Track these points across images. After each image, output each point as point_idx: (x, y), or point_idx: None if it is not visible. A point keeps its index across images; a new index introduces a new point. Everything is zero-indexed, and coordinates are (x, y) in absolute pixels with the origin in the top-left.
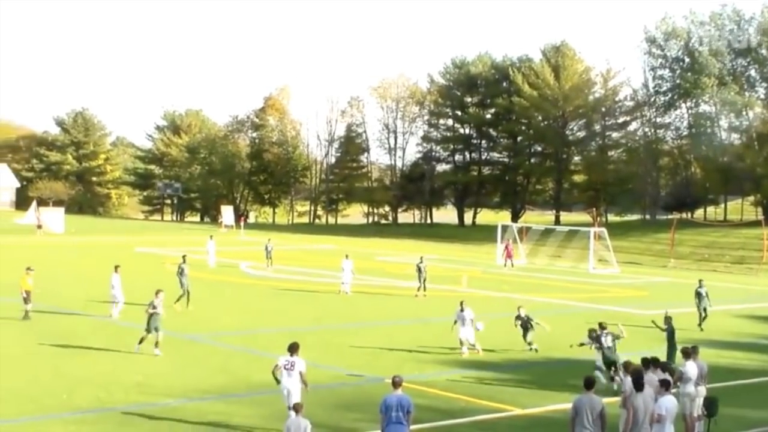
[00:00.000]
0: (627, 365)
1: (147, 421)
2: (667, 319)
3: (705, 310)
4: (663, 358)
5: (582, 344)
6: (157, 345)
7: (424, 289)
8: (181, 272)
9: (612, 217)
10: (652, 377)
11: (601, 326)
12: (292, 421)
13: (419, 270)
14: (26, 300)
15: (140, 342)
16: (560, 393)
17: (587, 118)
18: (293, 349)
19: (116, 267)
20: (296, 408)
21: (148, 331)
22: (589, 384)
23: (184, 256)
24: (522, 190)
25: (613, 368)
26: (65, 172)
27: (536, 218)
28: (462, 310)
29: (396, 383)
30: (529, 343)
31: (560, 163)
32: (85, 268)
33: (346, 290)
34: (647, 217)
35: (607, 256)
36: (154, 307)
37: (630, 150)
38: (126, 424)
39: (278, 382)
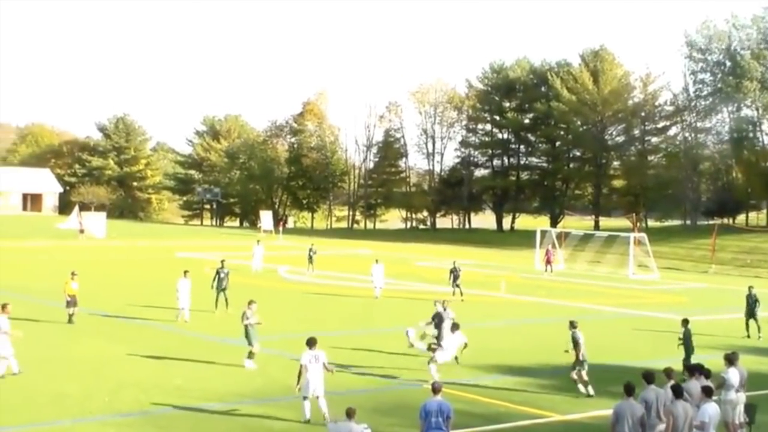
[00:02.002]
0: (668, 372)
1: (186, 424)
2: (684, 322)
3: (754, 316)
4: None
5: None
6: (250, 356)
7: (461, 294)
8: (218, 276)
9: (652, 223)
10: (695, 384)
11: (573, 324)
12: (344, 426)
13: (452, 274)
14: (69, 304)
15: (249, 356)
16: (599, 399)
17: (626, 122)
18: (313, 343)
19: (185, 272)
20: (349, 413)
21: (250, 343)
22: (630, 390)
23: (222, 261)
24: (561, 195)
25: (579, 369)
26: (107, 177)
27: (575, 223)
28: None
29: (436, 389)
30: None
31: (599, 168)
32: (127, 273)
33: (376, 294)
34: (688, 222)
35: (647, 262)
36: (248, 318)
37: (670, 155)
38: (165, 428)
39: (299, 376)
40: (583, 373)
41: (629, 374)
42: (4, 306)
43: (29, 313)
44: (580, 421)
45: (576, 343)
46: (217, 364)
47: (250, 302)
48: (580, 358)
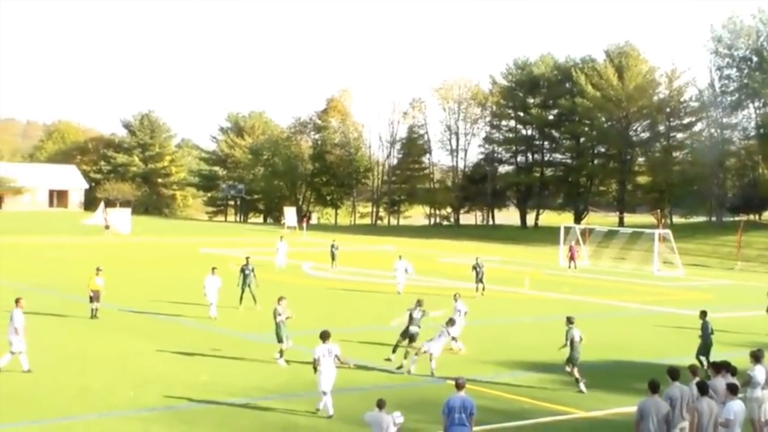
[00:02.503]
0: (693, 369)
1: (211, 419)
2: (702, 314)
3: None
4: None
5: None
6: (281, 353)
7: (483, 289)
8: (243, 273)
9: (677, 219)
10: (720, 381)
11: (570, 320)
12: (374, 416)
13: (475, 271)
14: (92, 299)
15: (280, 353)
16: (624, 396)
17: (651, 118)
18: (326, 336)
19: (213, 269)
20: (380, 404)
21: (280, 340)
22: (655, 387)
23: (247, 258)
24: (585, 192)
25: (571, 365)
26: (132, 173)
27: (599, 220)
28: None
29: (459, 385)
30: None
31: (624, 165)
32: (151, 269)
33: (399, 290)
34: (713, 218)
35: (672, 259)
36: (279, 314)
37: (695, 151)
38: (190, 423)
39: (315, 369)
40: (575, 369)
41: (654, 371)
42: (17, 300)
43: (55, 309)
44: (604, 418)
45: (566, 339)
46: (242, 359)
47: (280, 298)
48: (574, 354)
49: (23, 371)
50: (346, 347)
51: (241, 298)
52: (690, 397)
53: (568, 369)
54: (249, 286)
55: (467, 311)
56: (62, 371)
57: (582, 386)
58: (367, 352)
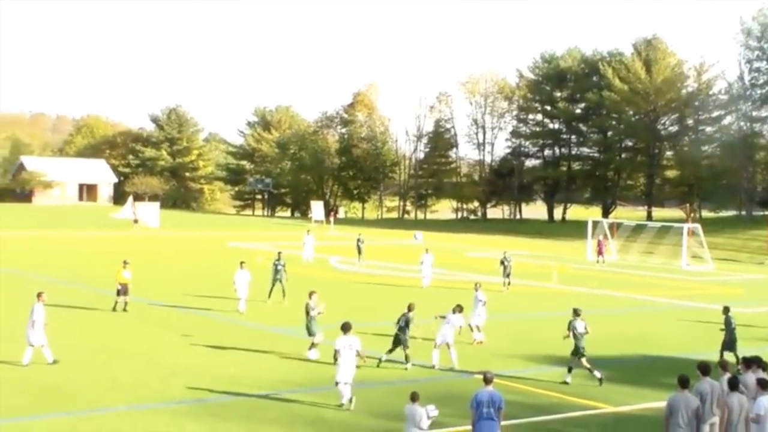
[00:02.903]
0: (723, 365)
1: (238, 412)
2: (725, 310)
3: None
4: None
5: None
6: (312, 347)
7: (508, 284)
8: (275, 268)
9: (706, 213)
10: (750, 377)
11: (576, 312)
12: (408, 409)
13: (503, 265)
14: (120, 292)
15: (311, 347)
16: (653, 391)
17: (680, 112)
18: (348, 328)
19: (241, 263)
20: (413, 397)
21: (311, 334)
22: (685, 383)
23: (279, 253)
24: (612, 186)
25: (578, 357)
26: (160, 167)
27: (627, 214)
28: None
29: (487, 379)
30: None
31: (652, 158)
32: (180, 263)
33: (425, 283)
34: (743, 213)
35: (700, 253)
36: (312, 309)
37: (724, 144)
38: (217, 415)
39: (335, 360)
40: (583, 360)
41: (683, 366)
42: (39, 294)
43: (84, 302)
44: (633, 413)
45: (574, 332)
46: (269, 353)
47: (311, 293)
48: (579, 346)
49: (48, 363)
50: (372, 341)
51: (270, 292)
52: (720, 393)
53: (575, 361)
54: (280, 280)
55: (485, 301)
56: (91, 364)
57: (597, 373)
58: (388, 344)
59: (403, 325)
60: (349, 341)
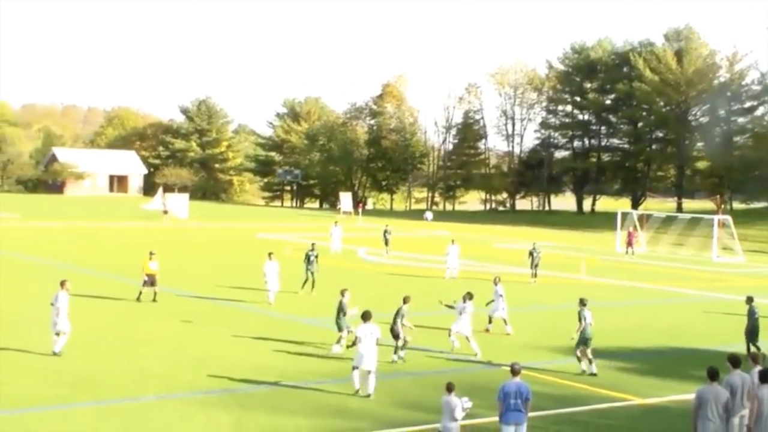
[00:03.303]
0: (755, 356)
1: (266, 402)
2: (748, 300)
3: None
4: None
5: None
6: (338, 342)
7: (535, 276)
8: (307, 259)
9: (737, 205)
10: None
11: (582, 302)
12: (445, 399)
13: (532, 256)
14: (146, 283)
15: (338, 342)
16: (681, 383)
17: (711, 102)
18: (368, 317)
19: (269, 254)
20: (449, 387)
21: (340, 329)
22: (714, 375)
23: (312, 244)
24: (642, 177)
25: (583, 347)
26: (189, 159)
27: (657, 205)
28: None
29: (515, 371)
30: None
31: (682, 150)
32: (209, 254)
33: (453, 275)
34: None
35: (731, 245)
36: (344, 307)
37: (757, 135)
38: (246, 406)
39: (353, 345)
40: (588, 350)
41: (713, 358)
42: (63, 282)
43: (114, 292)
44: (661, 405)
45: (580, 321)
46: (297, 343)
47: (344, 291)
48: (585, 336)
49: (53, 353)
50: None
51: (304, 283)
52: (751, 385)
53: (578, 353)
54: (312, 272)
55: (501, 295)
56: (120, 353)
57: (593, 368)
58: (418, 337)
59: (397, 317)
60: (369, 329)
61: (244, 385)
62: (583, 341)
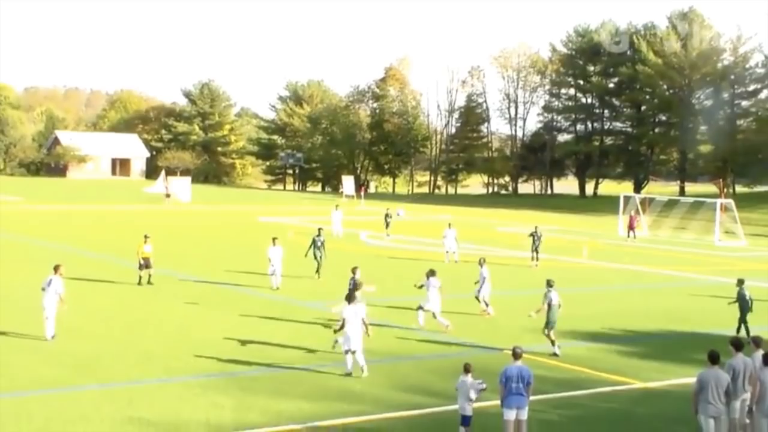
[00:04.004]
0: (756, 341)
1: (268, 386)
2: (739, 282)
3: None
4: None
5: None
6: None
7: (537, 260)
8: (314, 244)
9: (740, 188)
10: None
11: (549, 283)
12: (461, 380)
13: (533, 239)
14: (142, 266)
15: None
16: (682, 367)
17: (715, 86)
18: (353, 298)
19: (274, 239)
20: (466, 368)
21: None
22: (715, 358)
23: (319, 229)
24: (645, 161)
25: (548, 329)
26: (192, 142)
27: (660, 189)
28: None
29: (517, 354)
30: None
31: (686, 133)
32: (211, 237)
33: (455, 258)
34: None
35: (734, 229)
36: (362, 285)
37: (761, 119)
38: (248, 389)
39: (341, 328)
40: (551, 332)
41: (714, 342)
42: (56, 267)
43: (116, 275)
44: (662, 389)
45: (543, 302)
46: (300, 327)
47: (354, 269)
48: (551, 317)
49: (45, 337)
50: (397, 314)
51: (318, 270)
52: (753, 369)
53: (546, 332)
54: (319, 257)
55: (485, 277)
56: (123, 336)
57: (557, 349)
58: (416, 319)
59: (352, 288)
60: (355, 310)
61: (245, 369)
62: (549, 323)
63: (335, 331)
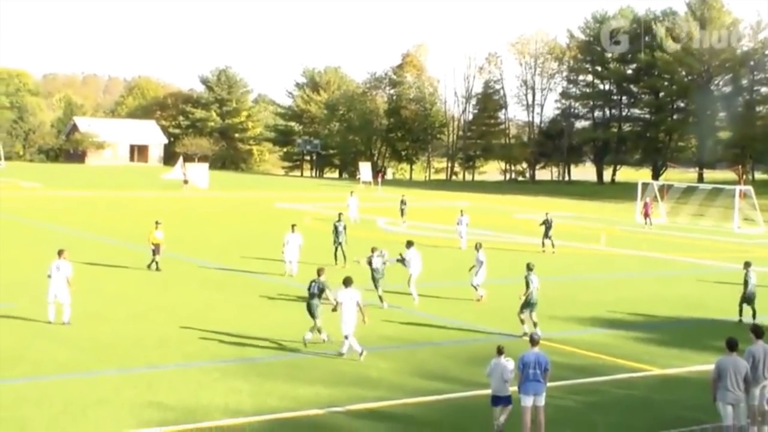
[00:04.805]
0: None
1: (285, 371)
2: (746, 264)
3: None
4: None
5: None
6: (382, 299)
7: (553, 246)
8: (335, 230)
9: (759, 175)
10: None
11: (529, 267)
12: (496, 363)
13: (545, 226)
14: (154, 252)
15: (381, 300)
16: (700, 354)
17: (734, 72)
18: (349, 282)
19: (293, 226)
20: (499, 350)
21: (377, 286)
22: (733, 345)
23: (339, 215)
24: (663, 147)
25: (528, 310)
26: (209, 128)
27: (678, 176)
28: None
29: (534, 341)
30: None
31: (704, 120)
32: (229, 223)
33: (462, 245)
34: None
35: (753, 215)
36: (372, 262)
37: None
38: (264, 375)
39: (335, 309)
40: (533, 314)
41: (732, 329)
42: (61, 251)
43: (133, 261)
44: (680, 375)
45: (527, 286)
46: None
47: (373, 249)
48: (531, 300)
49: (48, 320)
50: (408, 300)
51: (335, 256)
52: None
53: (522, 316)
54: (340, 244)
55: (482, 261)
56: (141, 321)
57: (526, 328)
58: (436, 306)
59: (315, 292)
60: (350, 294)
61: (263, 355)
62: (529, 305)
63: (333, 310)
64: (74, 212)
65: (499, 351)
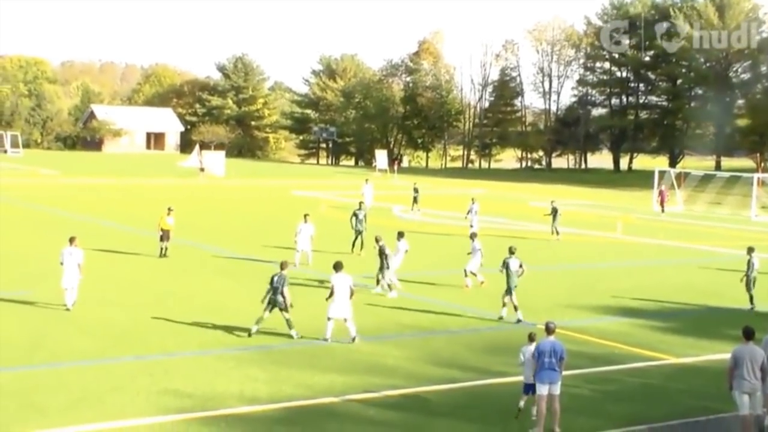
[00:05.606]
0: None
1: (301, 359)
2: (749, 250)
3: None
4: None
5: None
6: (391, 288)
7: (557, 233)
8: (355, 217)
9: None
10: None
11: (511, 250)
12: (527, 348)
13: (554, 214)
14: (162, 238)
15: (390, 289)
16: (716, 343)
17: (753, 59)
18: (340, 267)
19: (305, 216)
20: (531, 337)
21: (383, 272)
22: (749, 334)
23: (360, 203)
24: (681, 135)
25: (508, 294)
26: (226, 116)
27: (695, 163)
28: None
29: (550, 329)
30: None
31: (722, 107)
32: (245, 211)
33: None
34: None
35: None
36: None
37: None
38: (280, 363)
39: (330, 295)
40: (513, 298)
41: (749, 318)
42: (72, 239)
43: (150, 249)
44: (696, 365)
45: (507, 269)
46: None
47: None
48: (511, 284)
49: (65, 305)
50: (428, 289)
51: (353, 245)
52: None
53: (506, 300)
54: (360, 232)
55: (478, 249)
56: (157, 309)
57: (519, 314)
58: (449, 294)
59: (279, 286)
60: (342, 278)
61: (278, 343)
62: (509, 289)
63: (327, 299)
64: (91, 200)
65: (531, 338)
